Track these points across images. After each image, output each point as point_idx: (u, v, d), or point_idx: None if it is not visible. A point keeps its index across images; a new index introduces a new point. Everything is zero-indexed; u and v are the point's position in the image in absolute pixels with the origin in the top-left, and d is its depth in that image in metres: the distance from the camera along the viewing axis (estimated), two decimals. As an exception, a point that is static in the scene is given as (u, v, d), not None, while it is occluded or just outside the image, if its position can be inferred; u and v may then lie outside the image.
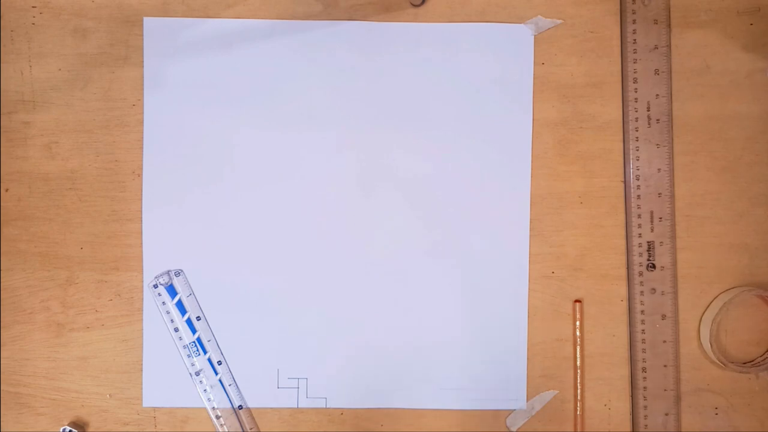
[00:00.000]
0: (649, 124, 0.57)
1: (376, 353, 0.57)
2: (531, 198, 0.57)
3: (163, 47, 0.57)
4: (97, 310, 0.57)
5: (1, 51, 0.57)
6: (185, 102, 0.57)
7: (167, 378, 0.56)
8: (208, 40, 0.57)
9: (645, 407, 0.57)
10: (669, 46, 0.57)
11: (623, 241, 0.58)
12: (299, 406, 0.57)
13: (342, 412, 0.57)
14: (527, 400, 0.57)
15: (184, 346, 0.56)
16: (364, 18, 0.57)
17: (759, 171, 0.58)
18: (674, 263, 0.57)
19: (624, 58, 0.57)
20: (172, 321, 0.56)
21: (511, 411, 0.57)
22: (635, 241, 0.57)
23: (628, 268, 0.57)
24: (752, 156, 0.58)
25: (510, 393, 0.57)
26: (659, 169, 0.57)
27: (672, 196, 0.57)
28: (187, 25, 0.57)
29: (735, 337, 0.58)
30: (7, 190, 0.57)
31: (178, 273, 0.56)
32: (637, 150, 0.57)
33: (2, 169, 0.57)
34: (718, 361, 0.56)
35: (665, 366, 0.57)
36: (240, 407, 0.56)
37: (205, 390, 0.56)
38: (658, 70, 0.57)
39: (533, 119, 0.57)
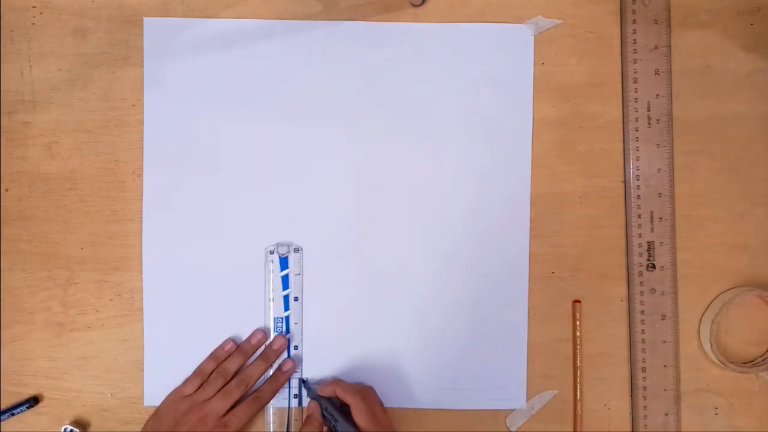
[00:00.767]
0: (649, 124, 0.57)
1: (376, 353, 0.57)
2: (531, 198, 0.57)
3: (163, 47, 0.57)
4: (98, 310, 0.57)
5: (1, 51, 0.57)
6: (185, 102, 0.57)
7: (168, 377, 0.56)
8: (207, 40, 0.57)
9: (645, 407, 0.57)
10: (669, 46, 0.57)
11: (623, 241, 0.58)
12: (299, 406, 0.57)
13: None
14: (527, 400, 0.57)
15: (273, 318, 0.57)
16: (364, 18, 0.57)
17: (759, 171, 0.58)
18: (674, 263, 0.57)
19: (624, 58, 0.57)
20: (272, 290, 0.57)
21: (511, 411, 0.57)
22: (635, 241, 0.57)
23: (628, 268, 0.57)
24: (752, 156, 0.58)
25: (510, 393, 0.57)
26: (659, 169, 0.57)
27: (672, 196, 0.57)
28: (187, 25, 0.57)
29: (735, 337, 0.58)
30: (7, 190, 0.57)
31: (297, 249, 0.56)
32: (637, 150, 0.57)
33: (2, 169, 0.57)
34: (718, 361, 0.56)
35: (665, 366, 0.57)
36: (296, 396, 0.57)
37: None
38: (658, 70, 0.57)
39: (533, 119, 0.57)
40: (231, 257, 0.57)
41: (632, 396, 0.57)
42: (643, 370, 0.57)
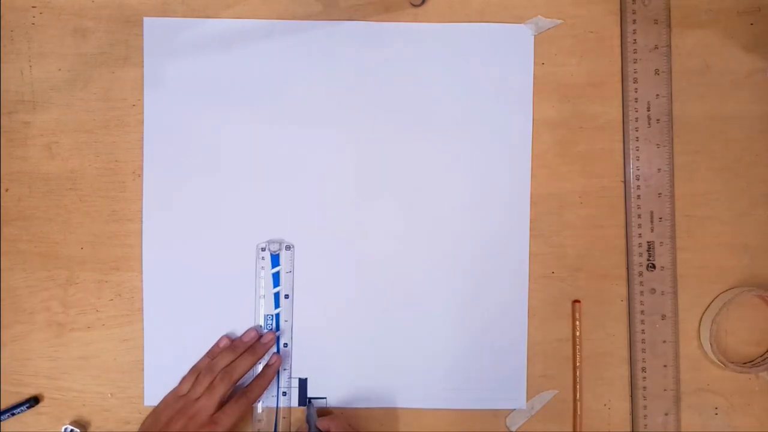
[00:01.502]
0: (649, 124, 0.57)
1: (376, 353, 0.57)
2: (531, 198, 0.57)
3: (163, 47, 0.57)
4: (98, 310, 0.57)
5: (1, 51, 0.57)
6: (185, 102, 0.57)
7: (168, 377, 0.56)
8: (207, 40, 0.57)
9: (645, 407, 0.57)
10: (669, 46, 0.57)
11: (623, 241, 0.58)
12: (299, 406, 0.57)
13: (342, 412, 0.57)
14: (527, 400, 0.57)
15: (263, 315, 0.57)
16: (364, 18, 0.57)
17: (759, 171, 0.58)
18: (674, 263, 0.57)
19: (624, 58, 0.57)
20: (263, 287, 0.57)
21: (511, 411, 0.57)
22: (635, 241, 0.57)
23: (628, 268, 0.57)
24: (752, 156, 0.58)
25: (510, 393, 0.57)
26: (659, 169, 0.57)
27: (672, 196, 0.57)
28: (187, 25, 0.57)
29: (735, 337, 0.58)
30: (7, 190, 0.57)
31: (289, 247, 0.57)
32: (637, 150, 0.57)
33: (2, 169, 0.57)
34: (718, 361, 0.56)
35: (665, 366, 0.57)
36: (284, 393, 0.57)
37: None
38: (658, 70, 0.57)
39: (533, 119, 0.57)
40: (231, 257, 0.57)
41: (632, 396, 0.57)
42: (643, 370, 0.57)
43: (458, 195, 0.57)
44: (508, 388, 0.57)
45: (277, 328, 0.57)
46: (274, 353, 0.57)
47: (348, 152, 0.57)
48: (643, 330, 0.57)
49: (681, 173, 0.57)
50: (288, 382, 0.57)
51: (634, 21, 0.57)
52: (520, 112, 0.57)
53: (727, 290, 0.57)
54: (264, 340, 0.56)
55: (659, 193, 0.57)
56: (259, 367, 0.56)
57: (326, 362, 0.57)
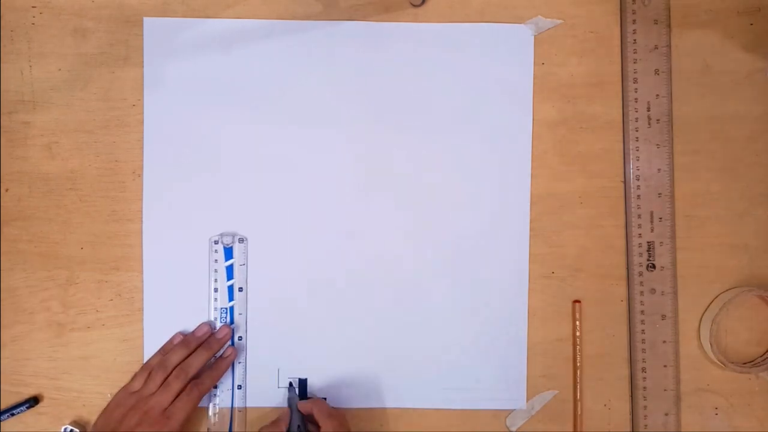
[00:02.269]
0: (649, 124, 0.57)
1: (376, 353, 0.57)
2: (531, 198, 0.57)
3: (163, 47, 0.57)
4: (98, 310, 0.57)
5: (1, 51, 0.57)
6: (185, 102, 0.57)
7: (167, 378, 0.56)
8: (207, 40, 0.57)
9: (645, 407, 0.57)
10: (669, 46, 0.57)
11: (623, 241, 0.58)
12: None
13: (341, 412, 0.57)
14: (527, 400, 0.57)
15: (216, 308, 0.57)
16: (364, 18, 0.57)
17: (759, 171, 0.58)
18: (674, 263, 0.57)
19: (624, 58, 0.57)
20: (215, 281, 0.57)
21: (511, 411, 0.57)
22: (635, 241, 0.57)
23: (628, 268, 0.57)
24: (752, 156, 0.58)
25: (510, 393, 0.57)
26: (659, 169, 0.57)
27: (672, 196, 0.57)
28: (187, 25, 0.57)
29: (735, 337, 0.58)
30: (7, 190, 0.57)
31: (242, 240, 0.57)
32: (637, 150, 0.57)
33: (2, 169, 0.57)
34: (718, 361, 0.56)
35: (665, 366, 0.57)
36: (239, 387, 0.57)
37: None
38: (658, 70, 0.57)
39: (533, 119, 0.57)
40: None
41: (632, 396, 0.57)
42: (643, 370, 0.57)
43: (458, 195, 0.57)
44: (508, 388, 0.57)
45: (232, 320, 0.57)
46: (229, 345, 0.56)
47: (348, 152, 0.57)
48: (643, 330, 0.57)
49: (681, 173, 0.57)
50: (243, 375, 0.57)
51: (634, 21, 0.57)
52: (520, 112, 0.57)
53: (727, 290, 0.57)
54: (219, 335, 0.56)
55: (659, 193, 0.57)
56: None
57: (326, 362, 0.57)
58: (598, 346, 0.58)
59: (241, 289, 0.57)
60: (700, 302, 0.58)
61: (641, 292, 0.57)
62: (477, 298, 0.57)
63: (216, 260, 0.57)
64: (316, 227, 0.57)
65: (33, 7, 0.57)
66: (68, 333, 0.57)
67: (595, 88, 0.57)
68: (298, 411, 0.53)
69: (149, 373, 0.53)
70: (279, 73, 0.57)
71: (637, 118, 0.57)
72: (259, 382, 0.57)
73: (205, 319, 0.57)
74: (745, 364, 0.57)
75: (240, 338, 0.57)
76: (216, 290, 0.57)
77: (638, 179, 0.57)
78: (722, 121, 0.57)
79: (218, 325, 0.57)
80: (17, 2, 0.57)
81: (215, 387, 0.56)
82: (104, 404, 0.54)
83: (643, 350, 0.57)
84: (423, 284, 0.57)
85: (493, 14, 0.57)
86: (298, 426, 0.52)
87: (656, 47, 0.57)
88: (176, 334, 0.56)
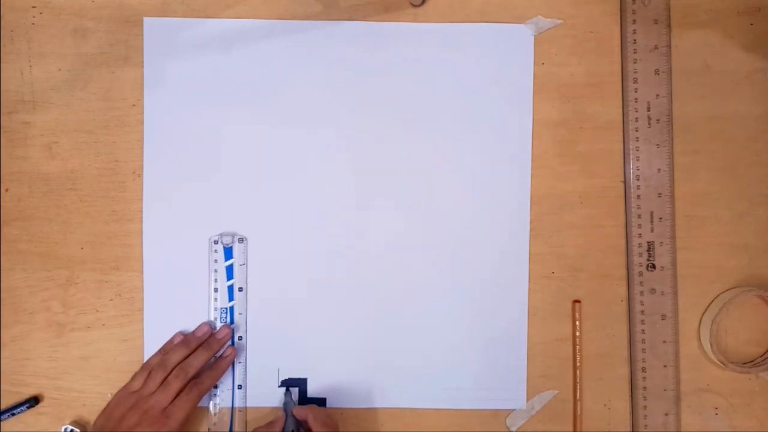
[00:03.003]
0: (649, 124, 0.57)
1: (376, 353, 0.57)
2: (531, 198, 0.57)
3: (163, 47, 0.57)
4: (98, 310, 0.57)
5: (1, 51, 0.57)
6: (185, 102, 0.57)
7: (167, 378, 0.56)
8: (207, 40, 0.57)
9: (645, 407, 0.57)
10: (669, 46, 0.57)
11: (623, 241, 0.58)
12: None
13: (342, 411, 0.57)
14: (527, 400, 0.57)
15: (216, 308, 0.57)
16: (364, 18, 0.57)
17: (759, 171, 0.58)
18: (674, 263, 0.57)
19: (624, 58, 0.57)
20: (215, 281, 0.57)
21: (511, 411, 0.57)
22: (635, 241, 0.57)
23: (628, 268, 0.57)
24: (752, 156, 0.58)
25: (510, 393, 0.57)
26: (659, 169, 0.57)
27: (672, 196, 0.57)
28: (187, 25, 0.57)
29: (735, 337, 0.58)
30: (7, 190, 0.57)
31: (242, 239, 0.57)
32: (637, 150, 0.57)
33: (2, 169, 0.57)
34: (718, 361, 0.56)
35: (665, 366, 0.57)
36: (240, 387, 0.57)
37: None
38: (658, 70, 0.57)
39: (533, 119, 0.57)
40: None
41: (632, 396, 0.57)
42: (643, 370, 0.57)
43: (458, 195, 0.57)
44: (508, 388, 0.57)
45: (232, 320, 0.57)
46: (229, 345, 0.57)
47: (348, 152, 0.57)
48: (643, 330, 0.57)
49: (681, 173, 0.57)
50: (243, 375, 0.57)
51: (634, 21, 0.57)
52: (520, 112, 0.57)
53: (727, 290, 0.57)
54: (219, 335, 0.56)
55: (659, 193, 0.57)
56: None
57: (325, 362, 0.57)
58: (598, 346, 0.58)
59: (241, 289, 0.57)
60: (700, 302, 0.58)
61: (641, 292, 0.57)
62: (477, 297, 0.57)
63: (216, 260, 0.57)
64: (315, 227, 0.57)
65: (33, 7, 0.57)
66: (68, 333, 0.57)
67: (595, 88, 0.57)
68: (293, 416, 0.53)
69: (149, 373, 0.53)
70: (279, 73, 0.57)
71: (637, 118, 0.57)
72: (259, 382, 0.57)
73: (204, 319, 0.57)
74: (745, 364, 0.57)
75: (240, 338, 0.57)
76: (216, 290, 0.57)
77: (638, 179, 0.57)
78: (722, 121, 0.57)
79: (218, 325, 0.57)
80: (17, 2, 0.57)
81: (215, 387, 0.56)
82: (104, 404, 0.54)
83: (643, 350, 0.57)
84: (423, 284, 0.57)
85: (493, 14, 0.57)
86: (292, 430, 0.52)
87: (656, 47, 0.57)
88: (176, 334, 0.56)
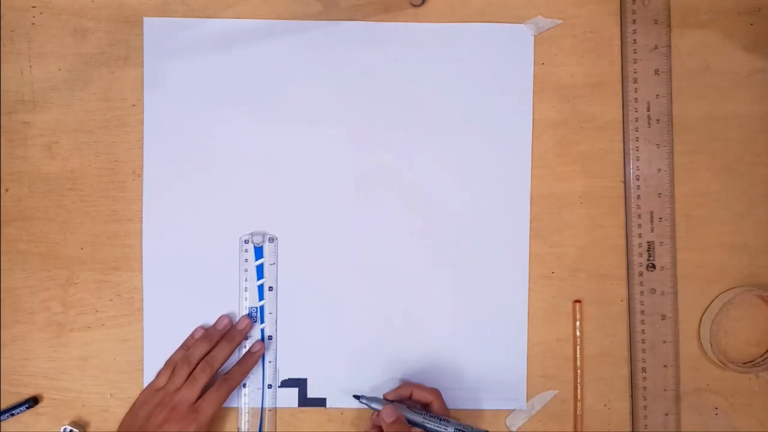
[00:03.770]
0: (649, 124, 0.57)
1: (376, 353, 0.57)
2: (531, 198, 0.57)
3: (163, 47, 0.57)
4: (98, 310, 0.57)
5: (1, 51, 0.57)
6: (185, 102, 0.57)
7: (167, 378, 0.56)
8: (207, 40, 0.57)
9: (645, 407, 0.57)
10: (669, 46, 0.57)
11: (623, 241, 0.58)
12: (299, 406, 0.57)
13: (342, 412, 0.57)
14: (527, 400, 0.57)
15: (247, 308, 0.57)
16: (364, 18, 0.57)
17: (759, 171, 0.58)
18: (674, 263, 0.57)
19: (624, 58, 0.57)
20: (246, 280, 0.57)
21: (511, 411, 0.57)
22: (635, 241, 0.57)
23: (628, 268, 0.57)
24: (752, 156, 0.58)
25: (510, 393, 0.57)
26: (659, 169, 0.57)
27: (672, 196, 0.57)
28: (187, 25, 0.57)
29: (735, 337, 0.58)
30: (7, 190, 0.57)
31: (272, 239, 0.57)
32: (637, 150, 0.57)
33: (2, 169, 0.57)
34: (718, 361, 0.56)
35: (665, 366, 0.57)
36: (270, 386, 0.57)
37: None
38: (658, 70, 0.57)
39: (533, 119, 0.57)
40: (231, 257, 0.57)
41: (632, 396, 0.57)
42: (643, 370, 0.57)
43: (458, 195, 0.57)
44: (508, 388, 0.57)
45: (263, 320, 0.57)
46: (257, 340, 0.56)
47: (348, 152, 0.57)
48: (643, 330, 0.57)
49: (681, 173, 0.57)
50: (273, 375, 0.57)
51: (634, 21, 0.57)
52: (520, 112, 0.57)
53: (727, 290, 0.57)
54: (240, 326, 0.56)
55: (659, 193, 0.57)
56: (241, 354, 0.56)
57: (326, 362, 0.57)
58: (598, 346, 0.58)
59: (271, 289, 0.57)
60: (700, 302, 0.58)
61: (641, 292, 0.57)
62: (477, 298, 0.57)
63: (246, 260, 0.56)
64: (315, 227, 0.57)
65: (33, 7, 0.57)
66: (68, 333, 0.57)
67: (595, 88, 0.57)
68: (395, 402, 0.52)
69: (173, 369, 0.53)
70: (279, 73, 0.57)
71: (637, 118, 0.57)
72: (260, 382, 0.57)
73: (204, 320, 0.57)
74: (745, 364, 0.57)
75: (270, 337, 0.57)
76: (246, 290, 0.57)
77: (638, 179, 0.57)
78: (722, 121, 0.57)
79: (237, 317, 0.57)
80: (17, 2, 0.57)
81: (244, 386, 0.56)
82: (104, 404, 0.54)
83: (643, 350, 0.57)
84: (423, 284, 0.57)
85: (493, 14, 0.57)
86: (412, 414, 0.51)
87: (656, 47, 0.57)
88: (197, 328, 0.56)
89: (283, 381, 0.57)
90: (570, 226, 0.58)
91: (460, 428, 0.50)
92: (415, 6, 0.57)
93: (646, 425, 0.56)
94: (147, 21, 0.57)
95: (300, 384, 0.57)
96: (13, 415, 0.56)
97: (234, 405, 0.57)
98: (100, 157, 0.57)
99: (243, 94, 0.57)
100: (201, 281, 0.57)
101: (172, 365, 0.54)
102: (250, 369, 0.55)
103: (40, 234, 0.57)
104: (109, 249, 0.57)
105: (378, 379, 0.57)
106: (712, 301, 0.57)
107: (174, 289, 0.57)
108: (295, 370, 0.57)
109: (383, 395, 0.53)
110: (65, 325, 0.57)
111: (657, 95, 0.57)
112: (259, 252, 0.57)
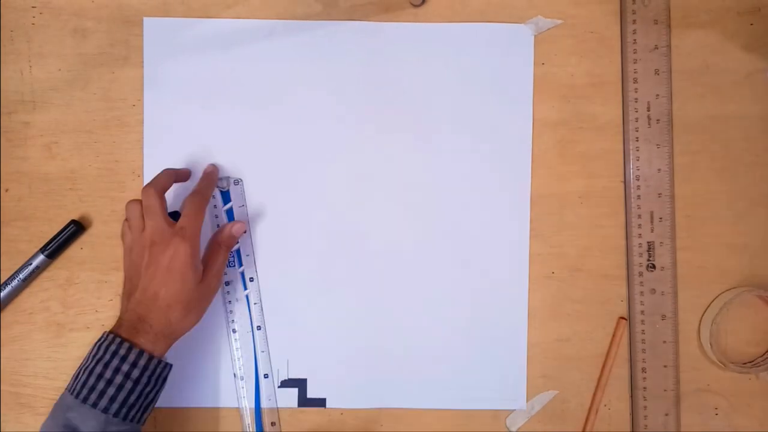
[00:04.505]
0: (649, 124, 0.57)
1: (376, 353, 0.57)
2: (531, 198, 0.57)
3: (163, 47, 0.57)
4: (97, 311, 0.57)
5: (1, 51, 0.57)
6: (185, 102, 0.57)
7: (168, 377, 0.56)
8: (207, 40, 0.57)
9: (645, 407, 0.57)
10: (669, 46, 0.57)
11: (623, 241, 0.58)
12: (299, 406, 0.57)
13: (342, 412, 0.57)
14: (527, 400, 0.57)
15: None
16: (364, 18, 0.57)
17: (759, 171, 0.58)
18: (674, 263, 0.57)
19: (624, 58, 0.57)
20: (218, 226, 0.56)
21: (511, 411, 0.57)
22: (635, 241, 0.57)
23: (628, 268, 0.57)
24: (752, 156, 0.58)
25: (510, 393, 0.57)
26: (659, 169, 0.57)
27: (672, 196, 0.57)
28: (187, 25, 0.57)
29: (735, 337, 0.58)
30: (7, 190, 0.57)
31: (237, 182, 0.56)
32: (637, 150, 0.57)
33: (2, 169, 0.57)
34: (718, 362, 0.56)
35: (665, 366, 0.57)
36: (259, 328, 0.57)
37: (228, 303, 0.56)
38: (658, 70, 0.57)
39: (533, 119, 0.57)
40: (230, 257, 0.57)
41: (632, 396, 0.57)
42: (643, 370, 0.57)
43: (458, 195, 0.57)
44: (508, 389, 0.57)
45: (240, 263, 0.57)
46: (209, 164, 0.56)
47: (347, 152, 0.57)
48: (643, 330, 0.57)
49: (681, 173, 0.57)
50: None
51: (634, 21, 0.57)
52: (520, 112, 0.57)
53: (727, 290, 0.57)
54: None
55: (659, 193, 0.57)
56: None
57: (326, 362, 0.57)
58: (599, 346, 0.57)
59: (252, 279, 0.57)
60: (700, 302, 0.58)
61: (641, 292, 0.57)
62: (477, 298, 0.57)
63: (215, 206, 0.57)
64: (315, 227, 0.57)
65: (33, 7, 0.57)
66: (68, 333, 0.57)
67: (595, 88, 0.57)
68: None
69: (125, 221, 0.52)
70: (279, 73, 0.57)
71: (637, 118, 0.57)
72: (260, 382, 0.57)
73: (204, 317, 0.57)
74: (745, 364, 0.57)
75: (251, 279, 0.57)
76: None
77: (638, 179, 0.57)
78: (722, 121, 0.57)
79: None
80: (17, 2, 0.57)
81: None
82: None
83: (643, 350, 0.57)
84: (422, 284, 0.57)
85: (493, 14, 0.57)
86: None
87: (656, 47, 0.57)
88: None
89: (282, 381, 0.57)
90: (570, 226, 0.58)
91: None
92: (415, 6, 0.57)
93: (646, 425, 0.56)
94: (147, 21, 0.57)
95: (300, 384, 0.57)
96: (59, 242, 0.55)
97: (234, 405, 0.57)
98: (100, 157, 0.57)
99: (243, 94, 0.57)
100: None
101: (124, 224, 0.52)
102: (214, 181, 0.55)
103: (40, 234, 0.57)
104: (109, 249, 0.57)
105: (378, 379, 0.57)
106: (712, 302, 0.57)
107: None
108: (294, 371, 0.57)
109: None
110: (65, 325, 0.57)
111: (657, 95, 0.57)
112: (226, 196, 0.57)
